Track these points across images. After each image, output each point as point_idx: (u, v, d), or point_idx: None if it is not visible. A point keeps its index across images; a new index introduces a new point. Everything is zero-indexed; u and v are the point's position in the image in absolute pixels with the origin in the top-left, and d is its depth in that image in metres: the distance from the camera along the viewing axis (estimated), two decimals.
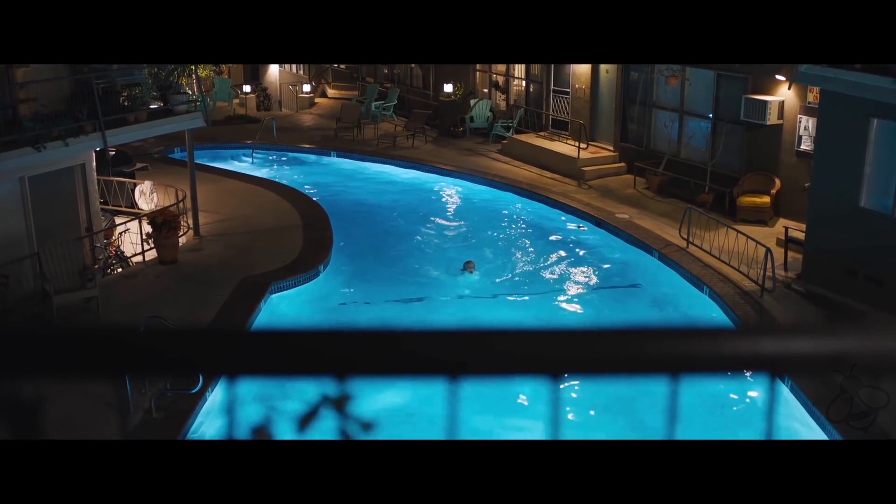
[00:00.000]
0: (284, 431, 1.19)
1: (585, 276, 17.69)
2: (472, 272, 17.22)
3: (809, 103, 18.31)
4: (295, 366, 0.90)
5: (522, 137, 25.73)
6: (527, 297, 16.55)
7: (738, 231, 16.63)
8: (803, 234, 16.21)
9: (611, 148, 24.00)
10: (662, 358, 0.88)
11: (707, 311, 15.44)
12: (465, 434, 1.07)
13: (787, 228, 16.96)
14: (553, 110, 26.04)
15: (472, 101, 28.20)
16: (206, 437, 11.22)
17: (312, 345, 0.91)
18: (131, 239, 17.85)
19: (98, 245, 16.97)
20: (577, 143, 23.72)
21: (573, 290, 17.14)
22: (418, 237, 19.79)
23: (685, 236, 17.79)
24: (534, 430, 11.12)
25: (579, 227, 20.11)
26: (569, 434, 0.98)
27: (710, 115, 20.91)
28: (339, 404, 0.97)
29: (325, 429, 1.12)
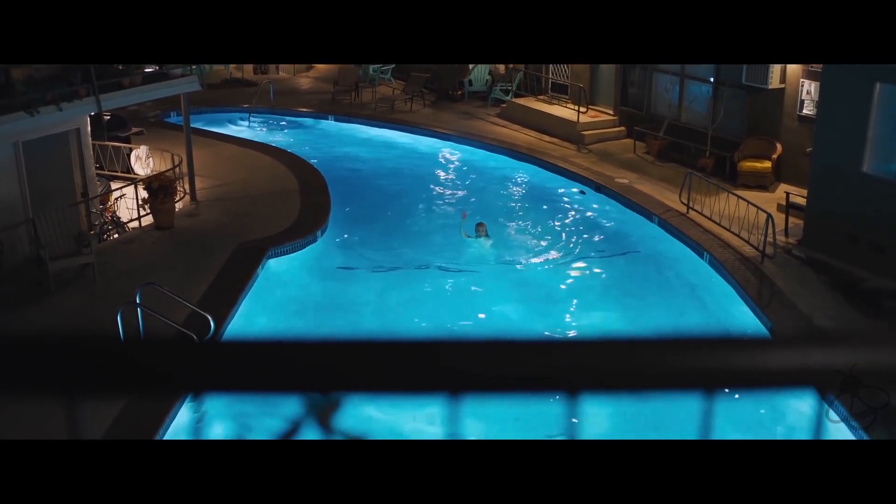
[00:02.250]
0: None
1: (584, 242, 17.57)
2: (485, 235, 16.95)
3: (812, 67, 18.10)
4: (280, 381, 0.80)
5: (521, 101, 25.52)
6: (524, 264, 16.45)
7: (739, 196, 16.50)
8: (804, 200, 16.09)
9: (610, 112, 23.80)
10: (697, 372, 0.78)
11: (707, 277, 15.36)
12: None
13: (788, 194, 16.84)
14: (552, 73, 25.79)
15: (471, 65, 27.92)
16: (205, 404, 11.12)
17: (300, 357, 0.80)
18: (127, 204, 17.72)
19: (94, 211, 16.85)
20: (576, 107, 23.52)
21: (571, 256, 17.02)
22: (416, 202, 19.65)
23: (685, 201, 17.67)
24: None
25: (580, 192, 19.96)
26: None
27: (712, 79, 20.69)
28: (324, 418, 0.87)
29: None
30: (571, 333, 13.84)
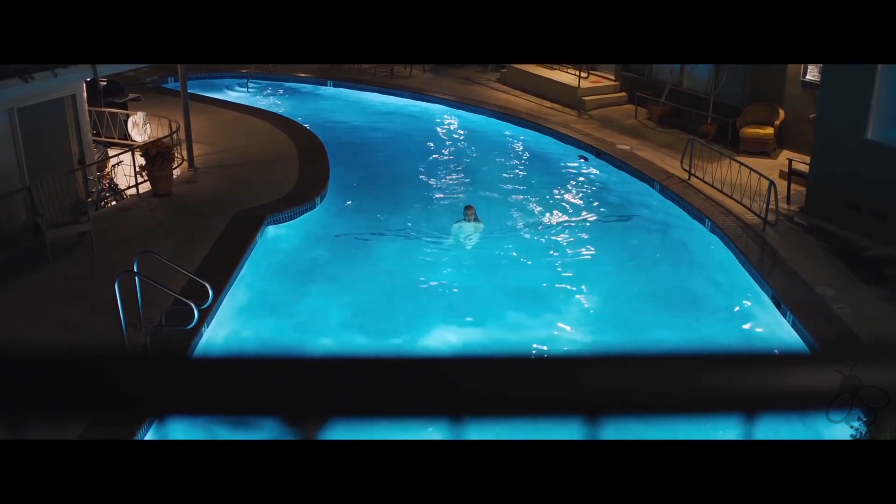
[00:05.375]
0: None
1: (585, 209, 17.47)
2: (471, 220, 16.15)
3: None
4: (260, 404, 0.71)
5: (522, 66, 25.27)
6: (526, 233, 16.34)
7: (741, 163, 16.37)
8: (807, 167, 15.97)
9: (612, 77, 23.60)
10: (737, 393, 0.69)
11: (708, 244, 15.28)
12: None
13: (790, 160, 16.72)
14: None
15: None
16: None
17: (284, 376, 0.71)
18: (125, 171, 17.59)
19: (91, 178, 16.72)
20: (577, 73, 23.32)
21: (572, 223, 16.91)
22: (416, 168, 19.53)
23: (687, 168, 17.55)
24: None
25: (580, 158, 19.83)
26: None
27: None
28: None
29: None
30: (570, 311, 13.78)
